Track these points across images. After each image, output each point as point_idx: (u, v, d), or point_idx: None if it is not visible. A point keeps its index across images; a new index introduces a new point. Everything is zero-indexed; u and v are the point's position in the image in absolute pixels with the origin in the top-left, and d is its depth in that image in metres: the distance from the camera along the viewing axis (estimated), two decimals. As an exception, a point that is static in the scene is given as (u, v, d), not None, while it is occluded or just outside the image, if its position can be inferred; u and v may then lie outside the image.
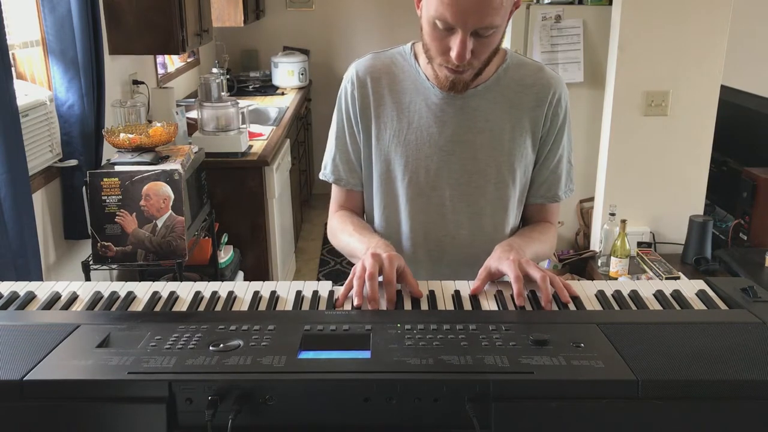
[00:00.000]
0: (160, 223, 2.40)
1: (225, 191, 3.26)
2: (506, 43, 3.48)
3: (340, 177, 1.44)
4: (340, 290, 1.13)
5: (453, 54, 1.19)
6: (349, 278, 1.12)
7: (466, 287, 1.15)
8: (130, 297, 1.11)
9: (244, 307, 1.09)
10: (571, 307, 1.08)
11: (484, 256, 1.39)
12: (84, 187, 2.40)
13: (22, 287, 1.14)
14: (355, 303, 1.07)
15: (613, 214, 3.09)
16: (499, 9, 1.16)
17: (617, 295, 1.12)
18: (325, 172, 1.46)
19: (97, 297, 1.11)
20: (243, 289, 1.14)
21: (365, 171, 1.43)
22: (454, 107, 1.33)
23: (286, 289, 1.14)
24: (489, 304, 1.10)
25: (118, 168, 2.44)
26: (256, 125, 3.79)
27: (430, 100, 1.34)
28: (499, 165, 1.35)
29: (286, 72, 5.02)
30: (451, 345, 0.88)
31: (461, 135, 1.34)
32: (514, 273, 1.12)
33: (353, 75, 1.39)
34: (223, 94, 3.54)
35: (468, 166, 1.35)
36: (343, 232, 1.40)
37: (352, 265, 1.55)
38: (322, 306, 1.09)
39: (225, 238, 3.24)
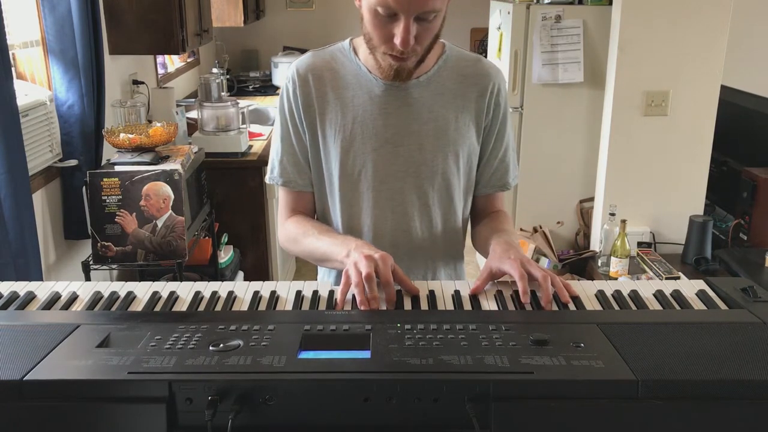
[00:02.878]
0: (160, 223, 2.40)
1: (225, 191, 3.26)
2: (506, 43, 3.49)
3: (289, 179, 1.41)
4: (339, 290, 1.13)
5: (397, 41, 1.19)
6: (344, 281, 1.11)
7: (466, 287, 1.15)
8: (130, 297, 1.11)
9: (244, 307, 1.09)
10: (571, 307, 1.08)
11: (436, 249, 1.41)
12: (84, 187, 2.40)
13: (22, 287, 1.14)
14: (362, 309, 1.06)
15: (613, 214, 3.09)
16: None
17: (617, 295, 1.12)
18: (273, 176, 1.42)
19: (97, 297, 1.11)
20: (243, 289, 1.14)
21: (314, 170, 1.40)
22: (398, 99, 1.33)
23: (286, 289, 1.14)
24: (489, 304, 1.10)
25: (118, 168, 2.44)
26: (256, 125, 3.79)
27: (373, 93, 1.34)
28: (446, 155, 1.36)
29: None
30: (451, 345, 0.88)
31: (406, 126, 1.34)
32: (518, 272, 1.13)
33: (294, 74, 1.37)
34: (223, 94, 3.54)
35: (415, 157, 1.35)
36: (306, 236, 1.35)
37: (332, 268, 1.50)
38: (322, 306, 1.09)
39: (225, 238, 3.24)
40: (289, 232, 1.40)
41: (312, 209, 1.45)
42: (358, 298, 1.07)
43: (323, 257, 1.31)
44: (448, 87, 1.35)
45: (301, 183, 1.41)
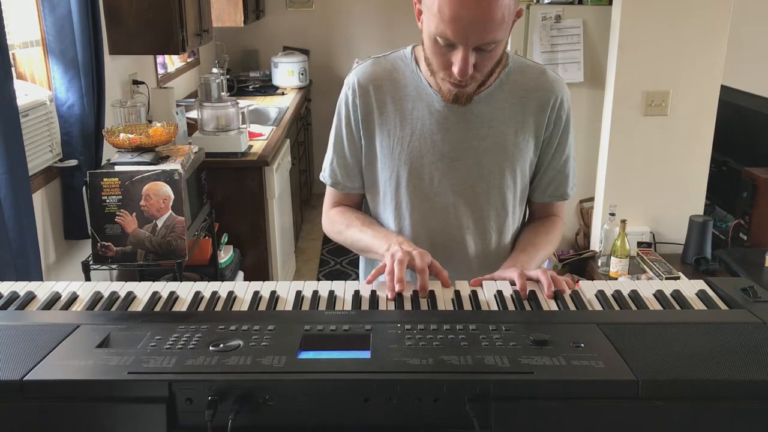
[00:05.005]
0: (160, 223, 2.40)
1: (225, 191, 3.26)
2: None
3: (338, 181, 1.45)
4: (339, 289, 1.13)
5: (455, 69, 1.18)
6: (379, 266, 1.17)
7: (466, 287, 1.16)
8: (130, 297, 1.11)
9: (244, 307, 1.09)
10: (571, 307, 1.08)
11: (489, 260, 1.40)
12: (84, 187, 2.40)
13: (22, 287, 1.14)
14: (390, 297, 1.10)
15: (613, 214, 3.08)
16: (501, 24, 1.15)
17: (617, 295, 1.12)
18: (324, 175, 1.48)
19: (97, 297, 1.11)
20: (243, 289, 1.14)
21: (369, 176, 1.42)
22: (458, 114, 1.33)
23: (286, 289, 1.14)
24: (489, 304, 1.10)
25: (118, 168, 2.44)
26: (256, 125, 3.79)
27: (433, 107, 1.33)
28: (503, 170, 1.36)
29: (286, 72, 5.02)
30: (451, 345, 0.88)
31: (465, 142, 1.33)
32: (518, 271, 1.17)
33: (354, 83, 1.37)
34: (223, 94, 3.54)
35: (472, 172, 1.35)
36: (350, 227, 1.40)
37: (354, 265, 1.55)
38: (322, 306, 1.09)
39: (225, 238, 3.25)
40: (333, 220, 1.45)
41: (357, 207, 1.49)
42: (387, 285, 1.11)
43: (366, 248, 1.36)
44: (509, 101, 1.34)
45: (350, 186, 1.45)
